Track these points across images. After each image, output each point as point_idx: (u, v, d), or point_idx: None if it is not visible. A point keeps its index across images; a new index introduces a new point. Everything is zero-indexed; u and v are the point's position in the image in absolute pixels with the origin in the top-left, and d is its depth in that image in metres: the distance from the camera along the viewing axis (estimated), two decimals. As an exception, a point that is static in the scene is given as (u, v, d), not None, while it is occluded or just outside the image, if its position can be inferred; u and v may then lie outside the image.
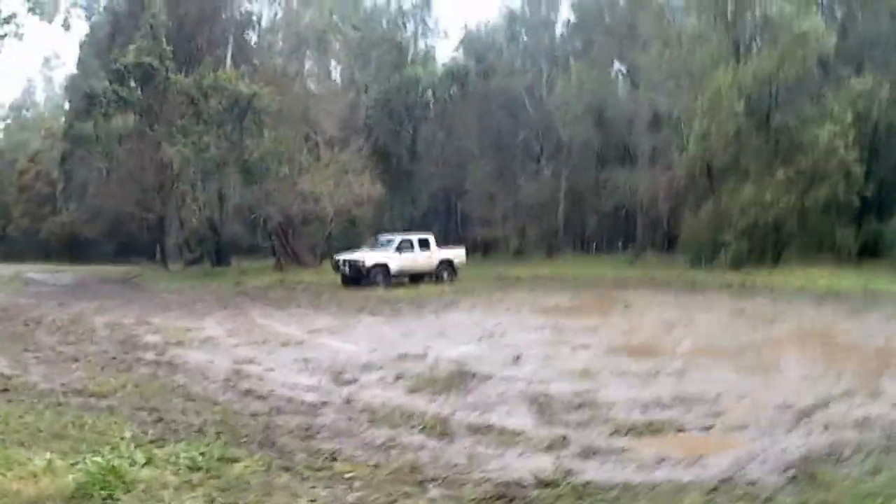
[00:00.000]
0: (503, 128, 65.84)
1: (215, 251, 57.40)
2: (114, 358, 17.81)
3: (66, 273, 60.21)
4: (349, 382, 14.53)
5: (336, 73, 76.91)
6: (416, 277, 42.67)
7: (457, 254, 45.91)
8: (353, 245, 48.85)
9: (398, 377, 14.89)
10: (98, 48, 65.01)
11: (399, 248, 42.39)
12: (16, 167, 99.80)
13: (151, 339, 21.36)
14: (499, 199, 64.52)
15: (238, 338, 21.41)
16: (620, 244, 69.27)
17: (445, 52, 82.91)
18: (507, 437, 10.67)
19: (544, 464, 9.44)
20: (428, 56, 70.33)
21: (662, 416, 11.85)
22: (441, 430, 10.99)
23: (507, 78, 67.06)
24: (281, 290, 38.74)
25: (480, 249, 66.00)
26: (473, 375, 14.83)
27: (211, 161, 49.55)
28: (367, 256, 41.74)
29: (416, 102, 62.81)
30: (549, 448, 10.18)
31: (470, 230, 68.92)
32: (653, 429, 11.18)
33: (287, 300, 33.96)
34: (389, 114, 62.04)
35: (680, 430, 11.27)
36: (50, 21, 59.05)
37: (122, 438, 10.06)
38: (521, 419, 11.77)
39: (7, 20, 58.39)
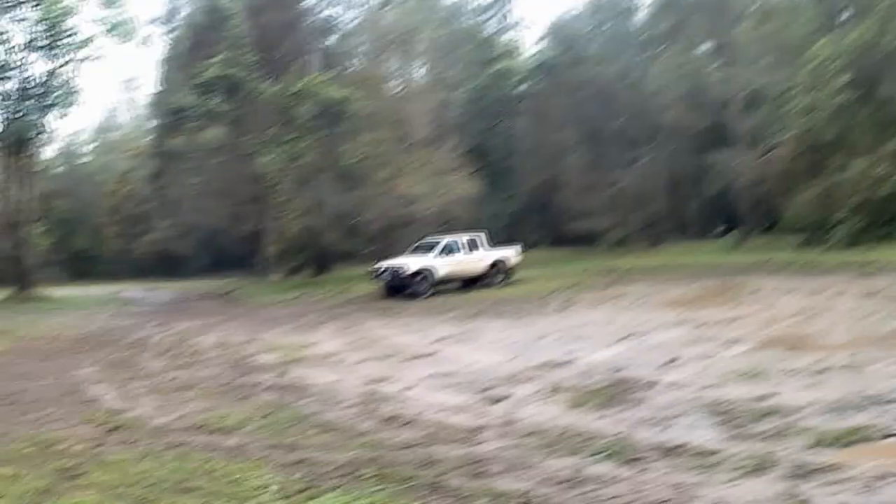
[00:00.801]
0: (597, 117, 64.25)
1: (316, 259, 56.56)
2: (230, 383, 16.70)
3: (163, 290, 59.83)
4: (501, 399, 13.10)
5: (421, 73, 76.48)
6: (466, 282, 40.34)
7: (509, 253, 42.08)
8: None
9: (554, 390, 13.48)
10: (180, 63, 64.86)
11: (445, 251, 39.49)
12: (104, 189, 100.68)
13: (266, 358, 20.25)
14: (597, 189, 62.76)
15: (360, 352, 20.12)
16: (721, 229, 67.60)
17: (530, 44, 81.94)
18: (703, 459, 9.26)
19: (764, 491, 8.12)
20: (515, 49, 69.09)
21: (860, 421, 10.33)
22: (627, 454, 9.55)
23: (597, 66, 65.22)
24: (394, 298, 37.35)
25: (582, 242, 64.98)
26: (635, 383, 13.46)
27: (306, 168, 48.98)
28: (410, 262, 38.97)
29: (508, 97, 61.58)
30: (758, 470, 8.77)
31: (569, 223, 67.87)
32: (857, 437, 9.73)
33: (398, 307, 32.80)
34: (481, 110, 60.93)
35: (889, 436, 9.77)
36: (129, 40, 58.71)
37: (264, 489, 9.04)
38: (707, 433, 10.36)
39: (85, 44, 58.26)
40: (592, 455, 9.61)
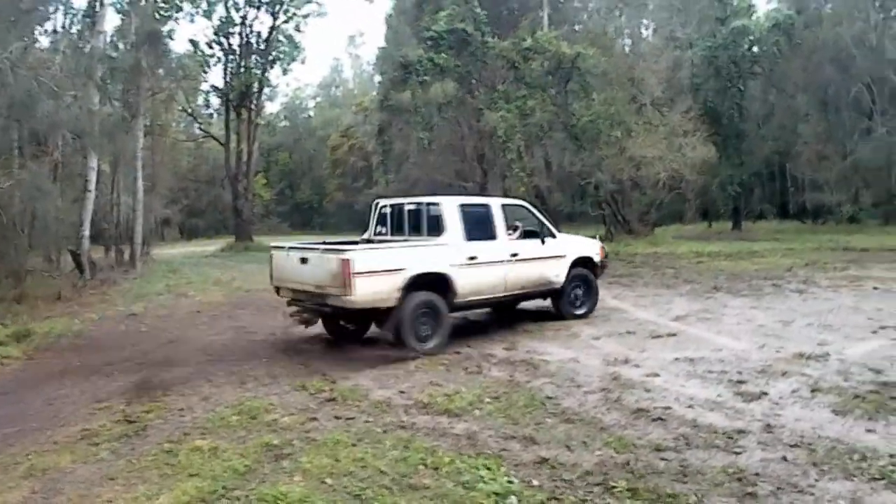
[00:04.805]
0: (833, 83, 61.18)
1: (543, 220, 55.09)
2: (457, 353, 15.47)
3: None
4: (756, 397, 11.40)
5: (650, 32, 74.85)
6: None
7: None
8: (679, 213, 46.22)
9: (813, 390, 11.68)
10: (407, 18, 64.65)
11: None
12: (328, 143, 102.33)
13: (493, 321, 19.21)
14: (830, 161, 60.02)
15: (596, 327, 18.45)
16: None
17: (762, 3, 79.50)
18: None
19: None
20: (750, 7, 66.69)
21: None
22: (912, 483, 7.93)
23: (835, 28, 62.27)
24: (620, 264, 35.18)
25: (811, 216, 62.75)
26: (903, 388, 11.68)
27: (536, 126, 47.82)
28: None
29: (742, 58, 59.16)
30: None
31: (799, 195, 65.72)
32: None
33: (630, 276, 30.80)
34: (716, 71, 58.70)
35: None
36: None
37: (501, 499, 7.73)
38: None
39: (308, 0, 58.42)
40: (871, 480, 8.04)
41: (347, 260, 14.23)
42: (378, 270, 14.68)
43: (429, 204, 17.54)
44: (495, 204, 18.19)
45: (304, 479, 8.37)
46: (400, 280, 14.89)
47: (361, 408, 11.33)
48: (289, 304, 16.86)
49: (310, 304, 15.91)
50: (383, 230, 18.49)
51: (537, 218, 19.11)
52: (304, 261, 15.59)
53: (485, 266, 16.85)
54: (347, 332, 17.33)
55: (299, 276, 15.78)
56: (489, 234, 17.29)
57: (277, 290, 17.01)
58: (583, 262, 20.00)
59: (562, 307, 19.66)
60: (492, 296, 17.42)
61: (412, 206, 18.02)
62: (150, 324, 21.60)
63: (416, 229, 17.61)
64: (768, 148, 64.57)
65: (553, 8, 58.99)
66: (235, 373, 14.15)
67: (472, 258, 16.48)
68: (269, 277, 17.10)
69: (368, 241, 18.18)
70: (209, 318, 22.32)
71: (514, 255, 17.60)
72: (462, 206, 17.28)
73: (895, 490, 7.71)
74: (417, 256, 15.58)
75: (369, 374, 13.78)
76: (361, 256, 14.55)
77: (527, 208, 19.28)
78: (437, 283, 15.59)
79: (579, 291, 19.97)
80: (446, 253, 16.08)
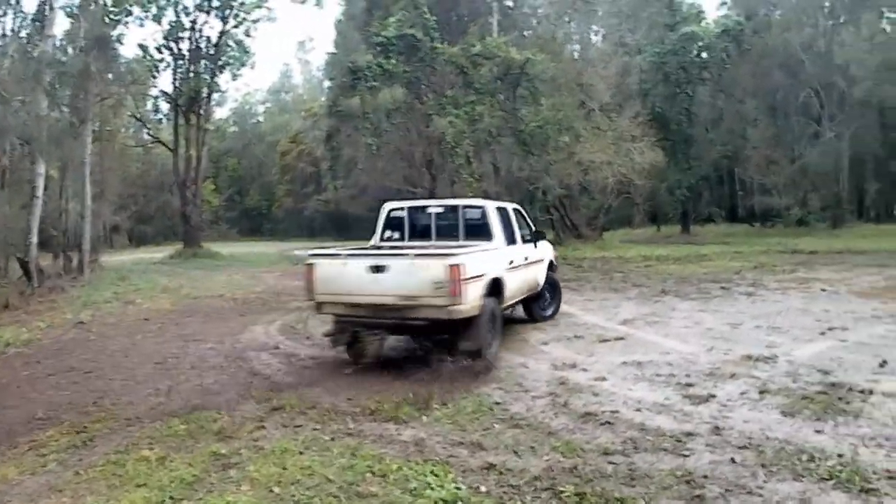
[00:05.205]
0: (781, 88, 62.59)
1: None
2: (407, 358, 15.35)
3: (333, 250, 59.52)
4: (705, 399, 11.48)
5: (599, 38, 75.30)
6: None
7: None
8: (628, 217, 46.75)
9: (761, 391, 11.82)
10: (356, 23, 64.94)
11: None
12: (278, 149, 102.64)
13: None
14: (778, 165, 61.13)
15: (544, 332, 18.37)
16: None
17: (711, 9, 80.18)
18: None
19: None
20: (699, 14, 67.29)
21: None
22: (857, 482, 8.01)
23: (784, 34, 63.01)
24: (568, 268, 35.38)
25: (759, 219, 63.68)
26: (848, 391, 11.69)
27: (484, 132, 47.95)
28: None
29: (692, 63, 59.73)
30: None
31: (747, 199, 66.48)
32: None
33: (579, 280, 30.92)
34: (665, 76, 59.19)
35: None
36: (304, 1, 58.75)
37: (445, 503, 7.83)
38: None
39: (258, 5, 58.53)
40: (820, 481, 8.15)
41: (458, 265, 13.05)
42: (475, 276, 13.73)
43: (467, 207, 17.03)
44: (511, 208, 18.28)
45: (252, 488, 8.36)
46: (482, 286, 14.06)
47: (309, 416, 11.28)
48: (337, 321, 14.84)
49: (383, 319, 14.05)
50: (394, 235, 17.54)
51: (527, 222, 19.46)
52: (377, 269, 13.62)
53: (517, 270, 16.71)
54: (422, 349, 15.49)
55: (368, 289, 13.75)
56: (513, 239, 17.29)
57: (319, 305, 14.65)
58: (550, 265, 20.49)
59: (534, 310, 19.76)
60: (513, 301, 17.10)
61: (439, 210, 17.33)
62: (98, 332, 21.35)
63: (446, 234, 16.94)
64: (717, 152, 65.34)
65: (503, 14, 59.26)
66: (183, 382, 14.07)
67: (511, 262, 16.24)
68: (307, 291, 14.59)
69: (377, 247, 17.07)
70: (157, 327, 22.06)
71: (526, 258, 17.60)
72: (497, 209, 17.09)
73: (844, 490, 7.80)
74: (490, 261, 14.80)
75: (315, 379, 13.82)
76: (469, 260, 13.41)
77: (521, 212, 19.22)
78: (495, 288, 14.82)
79: (548, 294, 20.20)
80: (499, 257, 15.59)
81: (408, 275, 13.37)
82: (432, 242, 16.48)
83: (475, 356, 13.62)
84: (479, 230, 16.27)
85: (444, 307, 13.10)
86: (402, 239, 17.12)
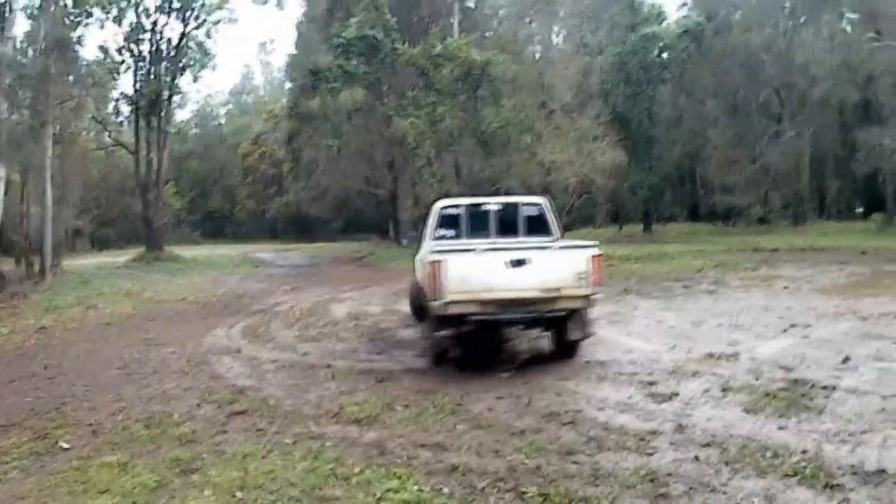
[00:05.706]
0: (741, 88, 62.82)
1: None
2: (367, 361, 15.45)
3: (294, 252, 60.89)
4: (668, 398, 11.55)
5: (560, 38, 75.36)
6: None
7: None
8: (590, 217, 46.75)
9: (724, 389, 11.85)
10: (317, 25, 64.73)
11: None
12: (239, 151, 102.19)
13: (407, 334, 18.68)
14: (739, 164, 61.21)
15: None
16: (862, 210, 65.64)
17: (672, 10, 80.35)
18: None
19: None
20: (660, 14, 67.42)
21: None
22: (821, 478, 8.02)
23: (743, 34, 63.16)
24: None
25: (721, 218, 63.82)
26: (811, 387, 11.73)
27: (446, 133, 48.03)
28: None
29: (653, 63, 59.96)
30: None
31: (709, 198, 66.67)
32: None
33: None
34: (626, 77, 59.35)
35: None
36: (264, 2, 58.64)
37: None
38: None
39: (219, 6, 58.27)
40: (784, 477, 8.15)
41: (601, 255, 13.50)
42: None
43: (526, 204, 17.28)
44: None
45: (215, 493, 8.29)
46: None
47: (271, 419, 11.23)
48: (461, 320, 13.51)
49: (521, 314, 13.77)
50: (448, 233, 17.03)
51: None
52: (518, 263, 13.21)
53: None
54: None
55: (508, 283, 13.24)
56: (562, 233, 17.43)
57: (448, 305, 13.26)
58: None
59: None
60: None
61: (497, 207, 17.41)
62: (61, 337, 21.27)
63: (507, 230, 16.94)
64: (678, 152, 65.57)
65: (464, 15, 59.19)
66: (145, 387, 13.96)
67: None
68: (432, 291, 13.49)
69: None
70: (119, 331, 22.00)
71: None
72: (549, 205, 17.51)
73: (808, 486, 7.83)
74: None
75: (278, 383, 13.76)
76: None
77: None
78: None
79: None
80: None
81: (551, 267, 13.40)
82: (493, 239, 16.16)
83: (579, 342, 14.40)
84: (537, 226, 16.65)
85: (584, 297, 13.31)
86: (458, 236, 16.78)
